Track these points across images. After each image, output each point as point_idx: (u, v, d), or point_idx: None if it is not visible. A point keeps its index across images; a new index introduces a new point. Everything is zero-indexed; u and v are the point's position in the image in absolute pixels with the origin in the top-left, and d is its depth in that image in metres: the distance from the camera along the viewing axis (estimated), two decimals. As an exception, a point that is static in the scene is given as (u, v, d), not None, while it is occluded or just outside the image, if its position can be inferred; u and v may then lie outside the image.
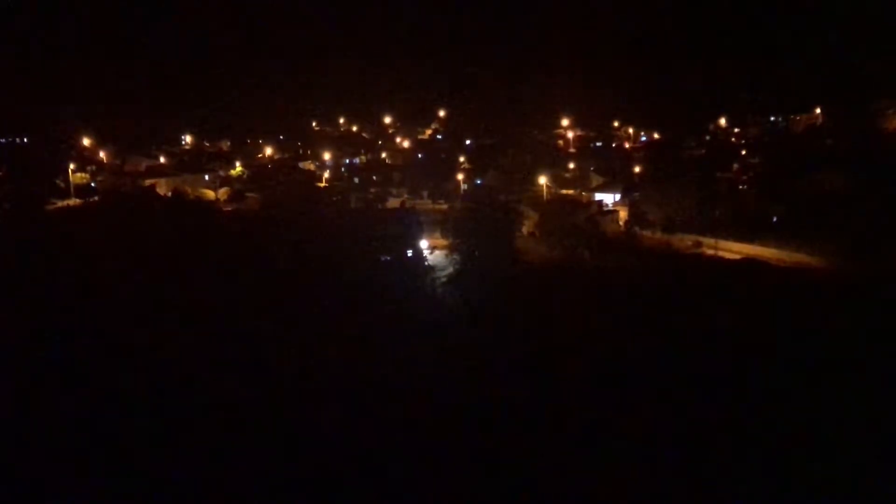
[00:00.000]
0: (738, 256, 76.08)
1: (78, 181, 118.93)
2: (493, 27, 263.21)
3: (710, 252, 78.42)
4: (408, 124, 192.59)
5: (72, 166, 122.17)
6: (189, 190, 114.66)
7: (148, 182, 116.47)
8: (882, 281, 58.68)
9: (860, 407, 37.16)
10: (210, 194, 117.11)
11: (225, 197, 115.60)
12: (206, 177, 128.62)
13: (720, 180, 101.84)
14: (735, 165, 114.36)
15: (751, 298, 57.57)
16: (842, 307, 53.52)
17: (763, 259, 74.17)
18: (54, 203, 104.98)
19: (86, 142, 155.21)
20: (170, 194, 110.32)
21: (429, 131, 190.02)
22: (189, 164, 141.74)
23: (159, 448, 35.56)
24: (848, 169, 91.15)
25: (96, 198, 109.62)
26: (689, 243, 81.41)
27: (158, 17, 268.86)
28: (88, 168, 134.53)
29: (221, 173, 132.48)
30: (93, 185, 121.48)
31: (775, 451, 34.25)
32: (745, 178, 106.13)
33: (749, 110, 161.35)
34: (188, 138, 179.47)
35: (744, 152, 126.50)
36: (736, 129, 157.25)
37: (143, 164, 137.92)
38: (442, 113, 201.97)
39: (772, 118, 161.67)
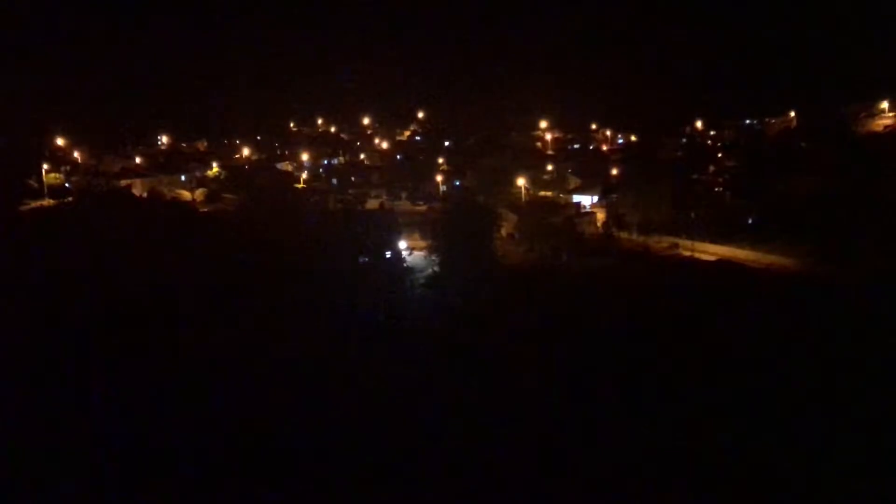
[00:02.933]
0: (713, 258, 76.85)
1: (52, 181, 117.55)
2: (472, 29, 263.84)
3: (687, 253, 79.10)
4: (386, 125, 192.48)
5: (45, 166, 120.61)
6: (165, 190, 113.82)
7: (123, 182, 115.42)
8: (854, 282, 59.55)
9: (832, 404, 37.74)
10: (186, 195, 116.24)
11: (202, 198, 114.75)
12: (183, 177, 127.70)
13: (696, 182, 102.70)
14: (711, 168, 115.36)
15: (723, 299, 58.24)
16: (814, 308, 54.28)
17: (738, 260, 74.97)
18: (27, 204, 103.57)
19: (60, 141, 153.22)
20: (146, 195, 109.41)
21: (407, 132, 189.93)
22: (165, 164, 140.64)
23: (128, 450, 35.25)
24: (821, 172, 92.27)
25: (70, 198, 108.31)
26: (666, 245, 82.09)
27: (135, 17, 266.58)
28: (63, 168, 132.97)
29: (198, 174, 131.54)
30: (67, 185, 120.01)
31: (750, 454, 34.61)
32: (720, 180, 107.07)
33: (725, 113, 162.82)
34: (164, 138, 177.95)
35: (720, 155, 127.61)
36: (712, 132, 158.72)
37: (119, 165, 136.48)
38: (421, 114, 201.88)
39: (747, 121, 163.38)
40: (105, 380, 43.35)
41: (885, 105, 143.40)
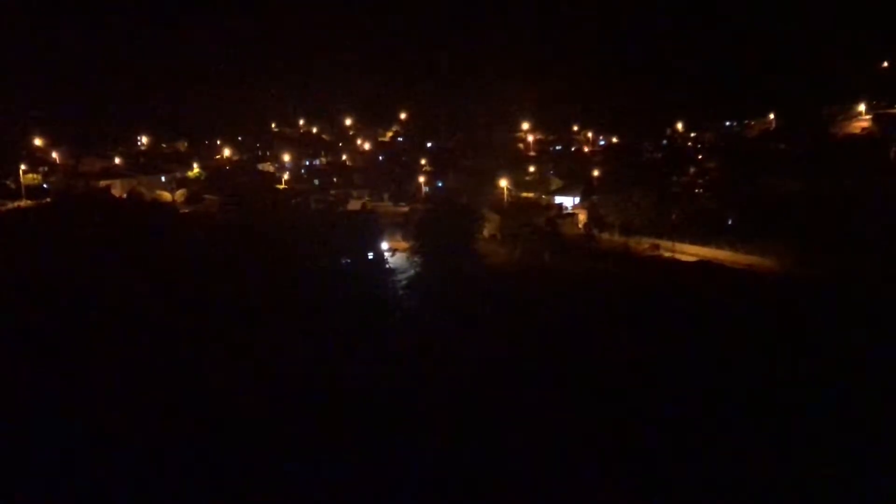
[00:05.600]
0: (693, 258, 77.44)
1: (29, 182, 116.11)
2: (454, 30, 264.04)
3: (667, 254, 79.69)
4: (368, 126, 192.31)
5: (23, 167, 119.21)
6: (145, 191, 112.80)
7: (103, 183, 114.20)
8: (833, 282, 60.27)
9: (810, 402, 38.12)
10: (167, 196, 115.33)
11: (182, 199, 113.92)
12: (163, 178, 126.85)
13: (677, 184, 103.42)
14: (691, 169, 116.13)
15: (704, 299, 58.76)
16: (792, 309, 54.88)
17: (718, 261, 75.60)
18: (4, 205, 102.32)
19: (37, 142, 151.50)
20: (125, 196, 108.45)
21: (390, 133, 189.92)
22: (145, 165, 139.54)
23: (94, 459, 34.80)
24: (800, 173, 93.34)
25: (48, 199, 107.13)
26: (647, 246, 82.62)
27: (114, 16, 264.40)
28: (40, 169, 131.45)
29: (178, 175, 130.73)
30: (45, 186, 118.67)
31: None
32: (700, 181, 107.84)
33: (705, 115, 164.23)
34: (144, 139, 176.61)
35: (700, 157, 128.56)
36: (692, 134, 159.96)
37: (98, 165, 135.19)
38: (403, 115, 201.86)
39: (727, 123, 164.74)
40: (88, 383, 42.90)
41: (861, 108, 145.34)
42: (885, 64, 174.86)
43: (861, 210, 74.79)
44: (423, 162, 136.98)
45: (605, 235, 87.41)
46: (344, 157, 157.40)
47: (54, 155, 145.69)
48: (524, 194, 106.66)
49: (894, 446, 33.53)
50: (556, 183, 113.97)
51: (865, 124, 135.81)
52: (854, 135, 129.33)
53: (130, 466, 34.03)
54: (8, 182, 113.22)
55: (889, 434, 34.58)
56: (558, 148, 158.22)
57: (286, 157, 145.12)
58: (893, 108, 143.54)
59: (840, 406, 37.56)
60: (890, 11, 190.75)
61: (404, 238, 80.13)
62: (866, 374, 40.92)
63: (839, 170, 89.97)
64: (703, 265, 74.58)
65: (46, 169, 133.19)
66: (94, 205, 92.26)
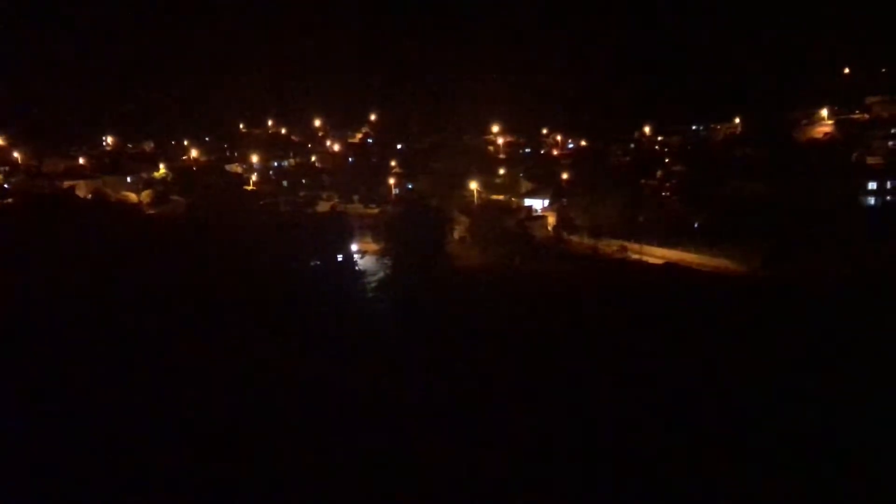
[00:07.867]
0: (660, 261, 78.26)
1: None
2: (424, 33, 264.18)
3: (635, 257, 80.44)
4: (338, 128, 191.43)
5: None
6: (110, 192, 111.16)
7: (67, 184, 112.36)
8: (796, 284, 61.29)
9: (775, 405, 38.58)
10: (132, 197, 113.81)
11: (148, 200, 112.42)
12: (129, 179, 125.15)
13: (644, 187, 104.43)
14: (659, 173, 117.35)
15: (669, 300, 59.39)
16: (756, 310, 55.65)
17: (684, 263, 76.49)
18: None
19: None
20: (90, 197, 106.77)
21: (360, 135, 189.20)
22: (110, 165, 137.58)
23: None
24: (765, 177, 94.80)
25: (10, 200, 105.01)
26: (615, 248, 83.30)
27: (79, 16, 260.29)
28: (2, 169, 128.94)
29: (144, 175, 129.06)
30: (6, 186, 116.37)
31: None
32: (668, 185, 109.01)
33: (672, 119, 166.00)
34: (109, 139, 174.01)
35: (667, 160, 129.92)
36: (659, 138, 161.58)
37: (62, 165, 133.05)
38: (373, 117, 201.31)
39: (693, 127, 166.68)
40: (51, 388, 42.07)
41: (824, 113, 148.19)
42: (847, 70, 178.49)
43: (824, 213, 76.19)
44: (393, 164, 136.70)
45: (575, 238, 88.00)
46: (313, 159, 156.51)
47: (16, 155, 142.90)
48: (494, 197, 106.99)
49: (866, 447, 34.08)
50: (525, 186, 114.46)
51: (828, 129, 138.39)
52: (817, 139, 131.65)
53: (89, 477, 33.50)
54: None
55: (859, 437, 35.15)
56: (528, 151, 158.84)
57: (254, 158, 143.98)
58: (855, 113, 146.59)
59: (804, 407, 38.06)
60: (852, 19, 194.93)
61: (374, 240, 79.88)
62: (829, 375, 41.52)
63: (803, 174, 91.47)
64: (670, 267, 75.40)
65: (7, 169, 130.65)
66: (57, 206, 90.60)
